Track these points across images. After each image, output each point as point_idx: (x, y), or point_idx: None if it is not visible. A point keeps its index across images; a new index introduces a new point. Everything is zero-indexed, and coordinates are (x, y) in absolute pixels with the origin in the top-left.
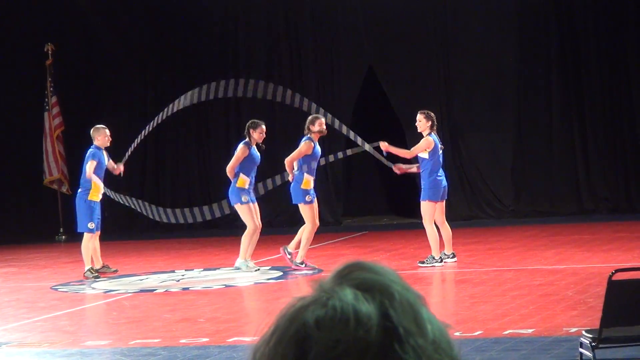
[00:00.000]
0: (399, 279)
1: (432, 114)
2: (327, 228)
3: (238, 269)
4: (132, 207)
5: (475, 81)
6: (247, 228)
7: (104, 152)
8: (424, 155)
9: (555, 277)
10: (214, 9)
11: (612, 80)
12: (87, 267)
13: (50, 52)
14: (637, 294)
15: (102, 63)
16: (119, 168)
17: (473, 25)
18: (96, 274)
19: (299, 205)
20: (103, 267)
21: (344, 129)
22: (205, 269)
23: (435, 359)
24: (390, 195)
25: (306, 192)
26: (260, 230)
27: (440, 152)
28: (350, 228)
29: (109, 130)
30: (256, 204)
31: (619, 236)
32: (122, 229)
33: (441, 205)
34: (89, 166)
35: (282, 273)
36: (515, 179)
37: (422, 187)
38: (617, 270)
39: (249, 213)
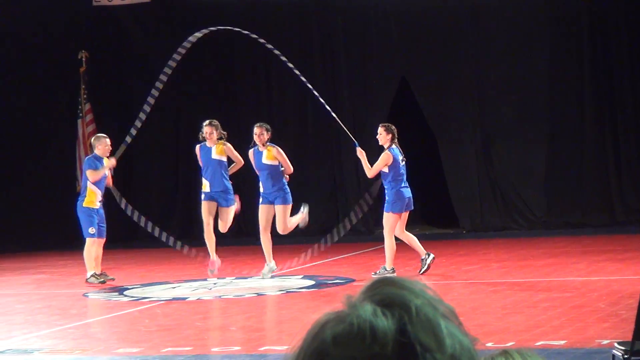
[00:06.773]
0: (426, 292)
1: (393, 127)
2: (359, 237)
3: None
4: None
5: (507, 91)
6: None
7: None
8: (384, 169)
9: (587, 289)
10: (247, 23)
11: None
12: (89, 273)
13: (84, 59)
14: None
15: (135, 71)
16: (112, 164)
17: (504, 34)
18: (102, 280)
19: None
20: (101, 274)
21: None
22: (237, 278)
23: None
24: (424, 204)
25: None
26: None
27: (402, 163)
28: (382, 238)
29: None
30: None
31: None
32: (152, 237)
33: (404, 216)
34: (92, 174)
35: (314, 282)
36: (547, 190)
37: (386, 198)
38: None
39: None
